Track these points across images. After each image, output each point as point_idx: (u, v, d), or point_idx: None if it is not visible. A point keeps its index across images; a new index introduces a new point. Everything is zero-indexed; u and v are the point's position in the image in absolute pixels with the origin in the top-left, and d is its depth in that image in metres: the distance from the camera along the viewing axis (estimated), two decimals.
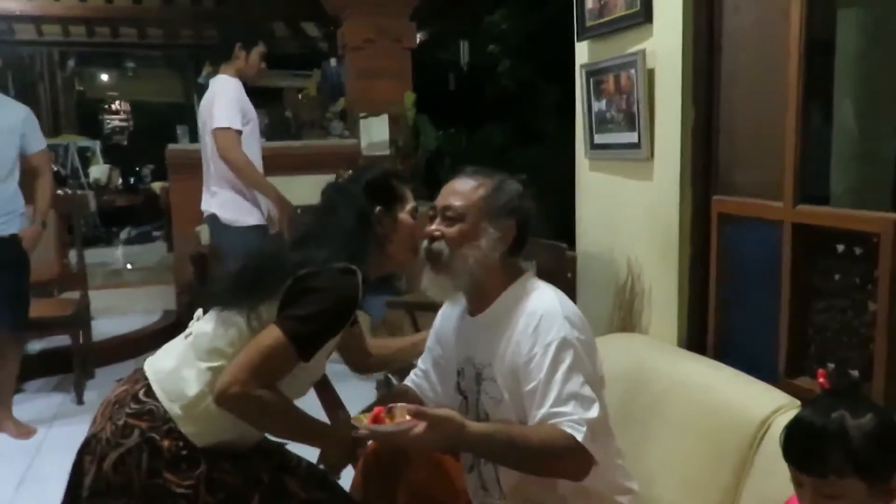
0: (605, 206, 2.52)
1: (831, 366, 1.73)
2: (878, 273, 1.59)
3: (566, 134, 2.94)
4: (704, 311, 2.13)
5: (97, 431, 1.58)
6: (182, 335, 1.69)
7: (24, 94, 10.29)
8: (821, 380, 1.30)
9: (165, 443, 1.54)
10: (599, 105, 2.44)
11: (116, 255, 7.60)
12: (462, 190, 1.64)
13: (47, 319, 3.79)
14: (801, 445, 1.21)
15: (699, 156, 2.10)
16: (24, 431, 3.40)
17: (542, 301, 1.60)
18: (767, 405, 1.62)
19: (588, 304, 2.64)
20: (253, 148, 3.34)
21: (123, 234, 8.62)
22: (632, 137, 2.27)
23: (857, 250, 1.67)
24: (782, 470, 1.25)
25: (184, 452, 1.55)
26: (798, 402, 1.60)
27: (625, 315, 2.39)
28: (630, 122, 2.27)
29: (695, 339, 2.15)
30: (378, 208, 1.71)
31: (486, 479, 1.70)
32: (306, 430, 1.64)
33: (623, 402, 2.00)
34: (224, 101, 3.26)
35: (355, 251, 1.64)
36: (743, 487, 1.63)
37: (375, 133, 5.43)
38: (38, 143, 3.54)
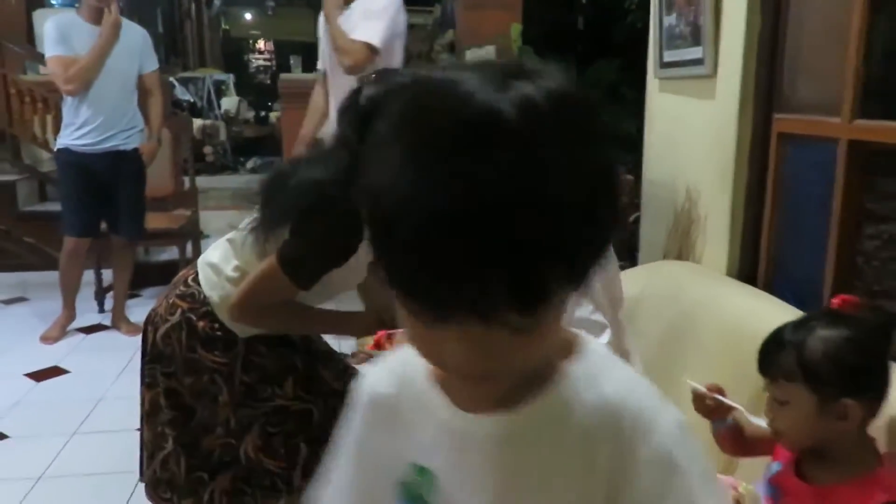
0: (670, 129, 2.38)
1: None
2: None
3: None
4: (758, 239, 1.99)
5: (157, 307, 1.74)
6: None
7: (172, 31, 10.95)
8: (834, 301, 1.20)
9: (201, 324, 1.66)
10: (669, 20, 2.29)
11: (240, 181, 8.06)
12: None
13: (159, 231, 4.12)
14: (763, 348, 1.15)
15: (763, 70, 1.93)
16: (132, 329, 3.75)
17: None
18: None
19: (649, 232, 2.54)
20: None
21: (250, 164, 9.07)
22: (697, 53, 2.12)
23: None
24: None
25: (218, 334, 1.66)
26: None
27: (681, 243, 2.28)
28: (696, 37, 2.13)
29: (746, 268, 2.02)
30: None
31: None
32: (328, 322, 1.72)
33: (660, 327, 1.93)
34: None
35: (353, 182, 1.58)
36: None
37: None
38: (152, 63, 3.79)
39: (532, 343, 0.56)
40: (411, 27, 6.37)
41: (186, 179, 4.76)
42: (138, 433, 1.77)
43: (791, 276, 1.90)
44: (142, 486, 1.84)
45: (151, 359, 1.71)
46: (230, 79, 10.63)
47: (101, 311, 4.10)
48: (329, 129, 2.93)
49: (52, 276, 4.01)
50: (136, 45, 3.67)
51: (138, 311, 3.96)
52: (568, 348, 0.65)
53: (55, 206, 4.19)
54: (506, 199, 0.49)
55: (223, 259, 1.69)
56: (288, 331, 1.70)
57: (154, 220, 4.05)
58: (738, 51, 1.94)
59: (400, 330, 1.51)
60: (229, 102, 9.97)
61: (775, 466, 1.23)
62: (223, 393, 1.65)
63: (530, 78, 0.53)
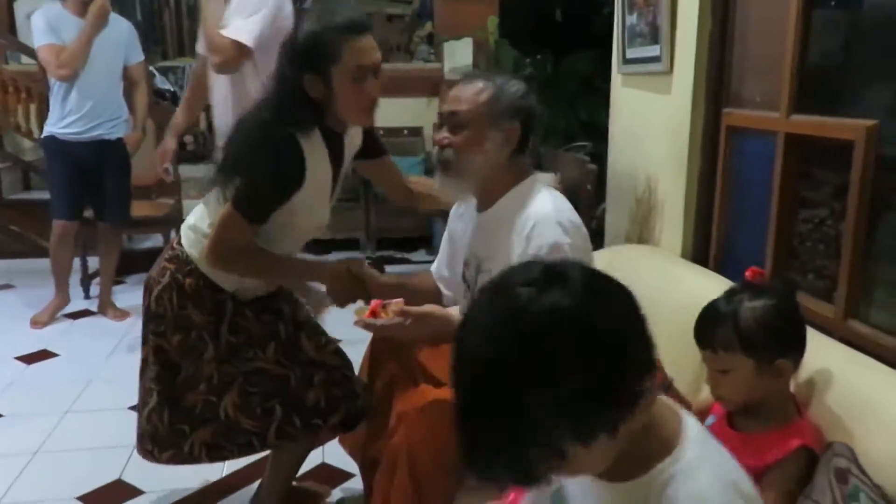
0: (632, 122, 2.54)
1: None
2: (851, 181, 1.59)
3: None
4: (709, 224, 2.16)
5: (151, 271, 1.88)
6: None
7: (150, 19, 10.91)
8: (747, 274, 1.37)
9: (187, 281, 1.80)
10: (631, 18, 2.45)
11: None
12: (465, 96, 1.68)
13: (143, 218, 4.22)
14: (699, 323, 1.30)
15: (713, 68, 2.10)
16: (119, 314, 3.86)
17: (538, 206, 1.66)
18: None
19: (613, 218, 2.70)
20: None
21: None
22: (655, 51, 2.28)
23: (837, 159, 1.66)
24: None
25: (206, 291, 1.80)
26: None
27: (641, 228, 2.45)
28: (654, 36, 2.28)
29: (699, 250, 2.19)
30: (306, 76, 1.64)
31: None
32: (296, 268, 1.87)
33: None
34: None
35: (296, 118, 1.66)
36: None
37: (459, 57, 5.50)
38: (137, 55, 3.88)
39: (595, 461, 0.79)
40: (389, 18, 6.50)
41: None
42: (129, 411, 1.89)
43: (737, 257, 2.07)
44: (135, 459, 1.97)
45: (145, 319, 1.86)
46: None
47: (87, 297, 4.19)
48: (221, 119, 2.67)
49: (38, 263, 4.10)
50: (122, 37, 3.76)
51: (124, 297, 4.07)
52: (666, 446, 0.83)
53: (40, 195, 4.27)
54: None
55: (199, 218, 1.84)
56: (260, 275, 1.82)
57: (138, 209, 4.15)
58: (691, 50, 2.10)
59: (396, 300, 1.65)
60: None
61: (710, 420, 1.40)
62: (209, 349, 1.80)
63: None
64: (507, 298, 0.76)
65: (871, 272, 1.60)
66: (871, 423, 1.22)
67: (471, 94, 1.68)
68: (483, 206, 1.77)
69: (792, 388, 1.34)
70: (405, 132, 5.45)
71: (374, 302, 1.67)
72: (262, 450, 1.90)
